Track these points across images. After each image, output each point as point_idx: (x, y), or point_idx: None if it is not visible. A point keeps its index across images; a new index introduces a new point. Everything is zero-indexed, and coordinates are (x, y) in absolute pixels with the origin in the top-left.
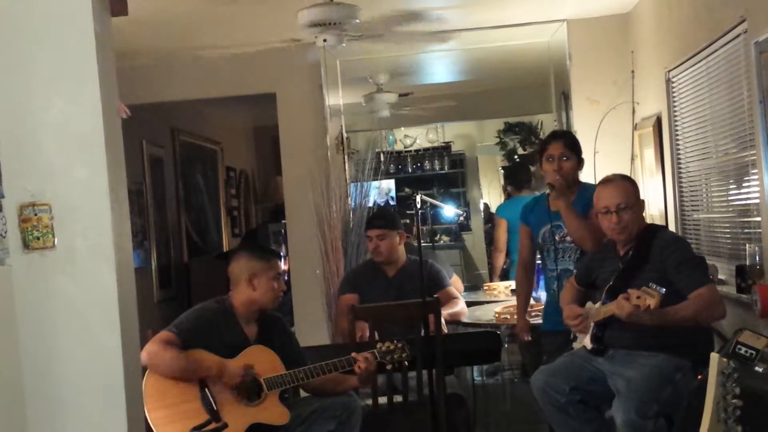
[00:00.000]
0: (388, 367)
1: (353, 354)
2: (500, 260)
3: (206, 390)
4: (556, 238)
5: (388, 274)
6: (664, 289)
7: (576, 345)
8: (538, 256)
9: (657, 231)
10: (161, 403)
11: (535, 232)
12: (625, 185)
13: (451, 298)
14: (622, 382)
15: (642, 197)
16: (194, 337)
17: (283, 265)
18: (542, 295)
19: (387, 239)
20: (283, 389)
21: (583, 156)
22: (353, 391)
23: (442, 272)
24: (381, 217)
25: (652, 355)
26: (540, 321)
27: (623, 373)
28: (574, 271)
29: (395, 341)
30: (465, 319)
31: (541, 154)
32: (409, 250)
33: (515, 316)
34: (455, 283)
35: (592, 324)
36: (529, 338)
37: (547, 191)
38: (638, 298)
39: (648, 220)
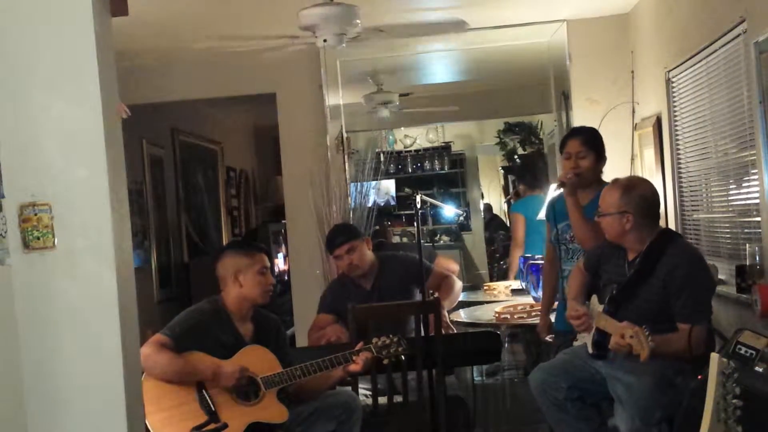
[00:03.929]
0: (385, 361)
1: (351, 353)
2: (518, 256)
3: (204, 391)
4: (567, 237)
5: (365, 287)
6: (653, 344)
7: (577, 342)
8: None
9: (670, 242)
10: (159, 407)
11: (552, 228)
12: (608, 191)
13: (441, 279)
14: (623, 388)
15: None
16: (188, 339)
17: (283, 265)
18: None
19: (357, 251)
20: (281, 388)
21: (603, 152)
22: (352, 391)
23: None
24: (342, 233)
25: (652, 360)
26: (536, 321)
27: (623, 378)
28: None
29: (390, 335)
30: (465, 319)
31: (561, 150)
32: (381, 248)
33: (516, 316)
34: (441, 262)
35: (594, 327)
36: (550, 338)
37: (560, 188)
38: (632, 337)
39: None
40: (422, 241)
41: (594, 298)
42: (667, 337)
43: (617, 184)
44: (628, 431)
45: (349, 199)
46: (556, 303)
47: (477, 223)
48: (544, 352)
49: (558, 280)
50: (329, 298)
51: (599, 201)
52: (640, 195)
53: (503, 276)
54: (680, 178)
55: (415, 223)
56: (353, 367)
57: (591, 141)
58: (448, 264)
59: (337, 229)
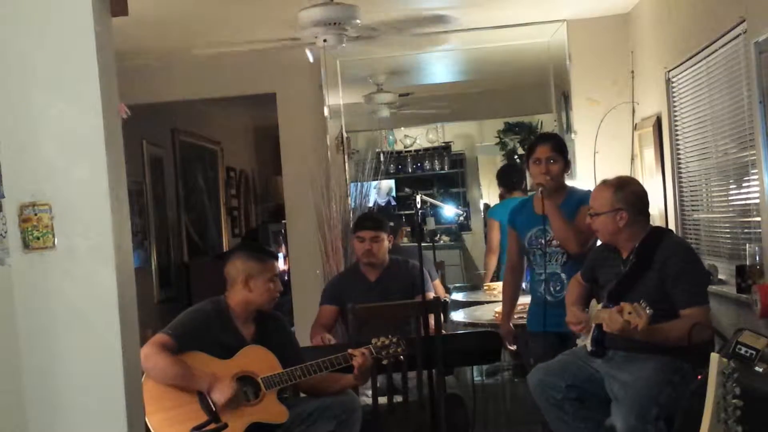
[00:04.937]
0: (385, 362)
1: (349, 351)
2: (493, 261)
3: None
4: (543, 241)
5: (370, 279)
6: (651, 311)
7: (579, 342)
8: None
9: (662, 236)
10: (159, 407)
11: (521, 236)
12: (600, 191)
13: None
14: (619, 386)
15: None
16: (190, 339)
17: (283, 265)
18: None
19: (379, 242)
20: (282, 388)
21: (569, 159)
22: (353, 391)
23: (425, 275)
24: (372, 219)
25: (650, 358)
26: (524, 321)
27: (620, 376)
28: (561, 275)
29: (390, 336)
30: (465, 319)
31: (528, 156)
32: (396, 251)
33: (516, 316)
34: (436, 288)
35: (593, 325)
36: (513, 346)
37: (539, 191)
38: (629, 314)
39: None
40: (423, 242)
41: (593, 302)
42: (669, 323)
43: (608, 183)
44: (624, 428)
45: (349, 199)
46: (528, 304)
47: (477, 223)
48: (531, 354)
49: (519, 289)
50: (332, 289)
51: (590, 201)
52: (632, 192)
53: (495, 278)
54: (680, 178)
55: (415, 224)
56: (356, 371)
57: (559, 147)
58: (440, 291)
59: (370, 215)
